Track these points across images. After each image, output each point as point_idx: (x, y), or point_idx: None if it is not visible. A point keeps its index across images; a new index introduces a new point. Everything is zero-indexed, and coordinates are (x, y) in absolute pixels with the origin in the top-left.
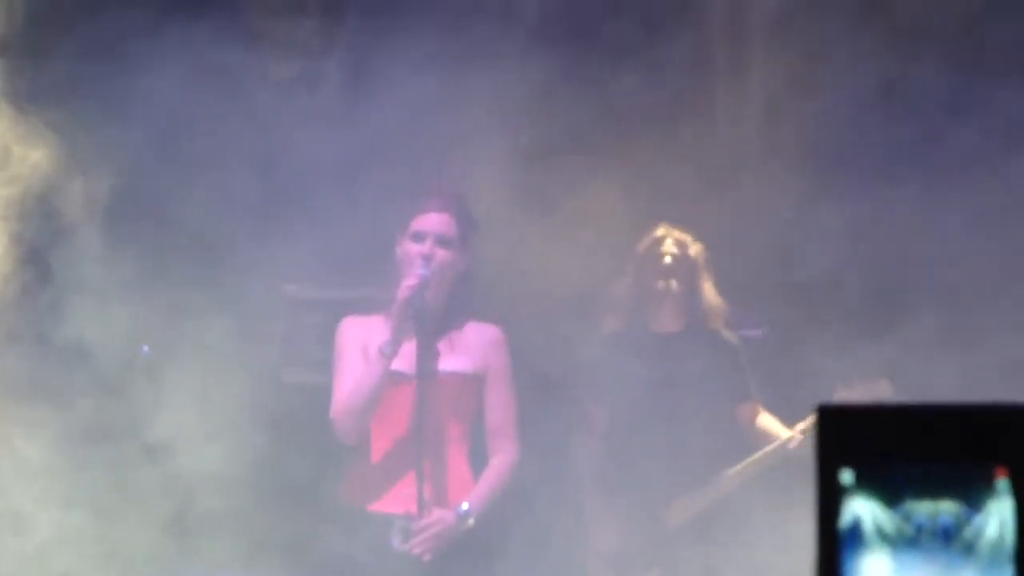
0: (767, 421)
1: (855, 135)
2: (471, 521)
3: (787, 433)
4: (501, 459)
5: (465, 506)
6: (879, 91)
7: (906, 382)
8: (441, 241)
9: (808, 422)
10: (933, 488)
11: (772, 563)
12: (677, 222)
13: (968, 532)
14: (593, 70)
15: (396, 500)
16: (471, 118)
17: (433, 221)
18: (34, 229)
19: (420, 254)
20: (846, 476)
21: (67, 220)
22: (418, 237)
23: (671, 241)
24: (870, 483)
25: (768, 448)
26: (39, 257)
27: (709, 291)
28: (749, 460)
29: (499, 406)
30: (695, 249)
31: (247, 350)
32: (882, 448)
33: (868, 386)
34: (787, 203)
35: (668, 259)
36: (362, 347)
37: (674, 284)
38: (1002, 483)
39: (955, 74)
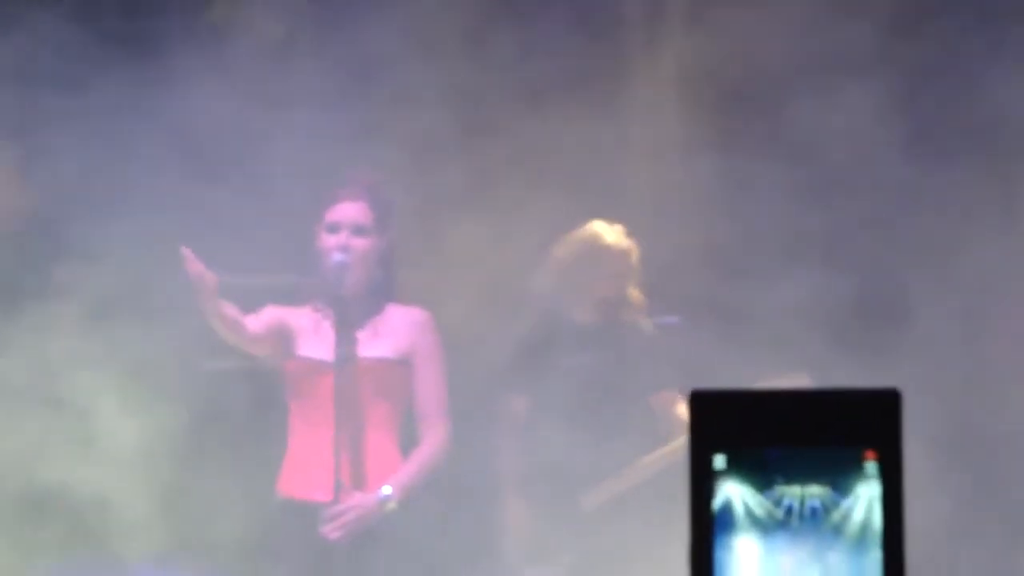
0: (684, 410)
1: (779, 114)
2: (392, 505)
3: None
4: (429, 441)
5: (387, 490)
6: (806, 68)
7: (828, 376)
8: (357, 230)
9: None
10: (803, 472)
11: (683, 550)
12: (599, 208)
13: (836, 515)
14: (510, 52)
15: (317, 487)
16: (386, 102)
17: (347, 210)
18: None
19: (337, 245)
20: (718, 461)
21: None
22: (333, 228)
23: (590, 234)
24: (742, 468)
25: (682, 439)
26: None
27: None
28: (663, 450)
29: (427, 388)
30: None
31: (163, 339)
32: (754, 433)
33: (788, 381)
34: (710, 186)
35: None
36: (279, 320)
37: (594, 277)
38: (871, 466)
39: (890, 47)
